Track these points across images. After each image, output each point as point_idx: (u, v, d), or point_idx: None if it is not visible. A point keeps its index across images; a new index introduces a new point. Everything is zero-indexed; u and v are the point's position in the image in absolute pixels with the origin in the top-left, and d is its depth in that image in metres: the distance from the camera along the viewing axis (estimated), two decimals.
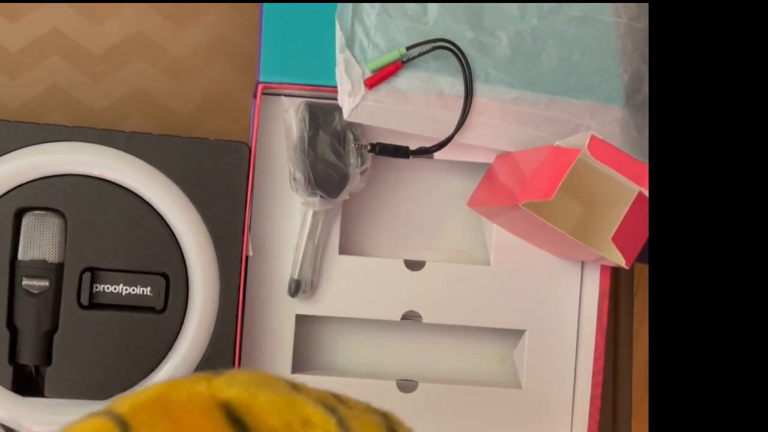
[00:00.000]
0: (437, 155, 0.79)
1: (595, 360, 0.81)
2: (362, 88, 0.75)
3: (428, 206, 0.84)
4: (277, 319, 0.80)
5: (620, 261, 0.67)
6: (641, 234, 0.68)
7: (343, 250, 0.81)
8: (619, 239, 0.67)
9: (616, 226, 0.67)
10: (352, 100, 0.75)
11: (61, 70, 0.85)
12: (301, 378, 0.80)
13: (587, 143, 0.66)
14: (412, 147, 0.78)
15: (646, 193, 0.67)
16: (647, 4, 0.80)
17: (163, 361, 0.76)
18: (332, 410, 0.51)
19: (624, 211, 0.67)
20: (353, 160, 0.78)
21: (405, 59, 0.76)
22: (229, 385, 0.50)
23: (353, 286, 0.81)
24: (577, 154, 0.66)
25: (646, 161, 0.75)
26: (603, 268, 0.81)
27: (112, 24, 0.85)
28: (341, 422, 0.50)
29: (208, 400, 0.49)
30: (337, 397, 0.54)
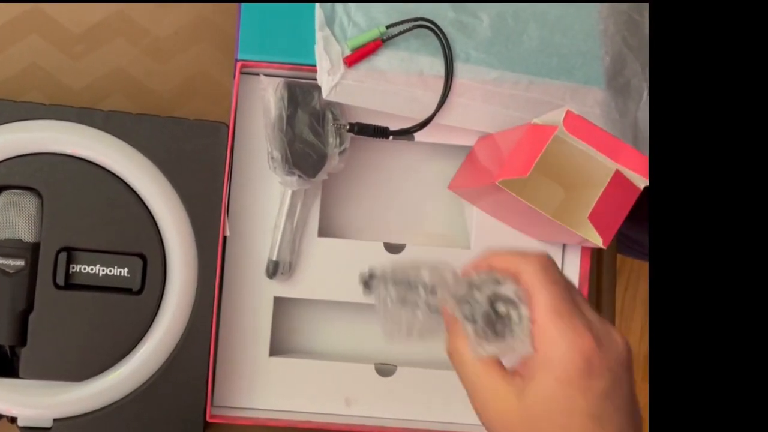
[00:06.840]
0: (418, 137, 0.78)
1: None
2: (342, 66, 0.74)
3: (409, 189, 0.83)
4: (255, 301, 0.79)
5: (597, 241, 0.66)
6: (619, 213, 0.67)
7: (323, 232, 0.80)
8: (596, 218, 0.66)
9: (593, 205, 0.66)
10: (331, 79, 0.74)
11: (41, 49, 0.83)
12: (278, 361, 0.79)
13: (563, 118, 0.65)
14: (393, 128, 0.77)
15: (624, 170, 0.66)
16: None
17: (140, 343, 0.75)
18: None
19: (601, 189, 0.66)
20: (332, 139, 0.77)
21: (385, 38, 0.75)
22: None
23: (332, 269, 0.80)
24: (554, 131, 0.65)
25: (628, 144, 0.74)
26: (584, 250, 0.80)
27: (92, 3, 0.84)
28: None
29: None
30: None
